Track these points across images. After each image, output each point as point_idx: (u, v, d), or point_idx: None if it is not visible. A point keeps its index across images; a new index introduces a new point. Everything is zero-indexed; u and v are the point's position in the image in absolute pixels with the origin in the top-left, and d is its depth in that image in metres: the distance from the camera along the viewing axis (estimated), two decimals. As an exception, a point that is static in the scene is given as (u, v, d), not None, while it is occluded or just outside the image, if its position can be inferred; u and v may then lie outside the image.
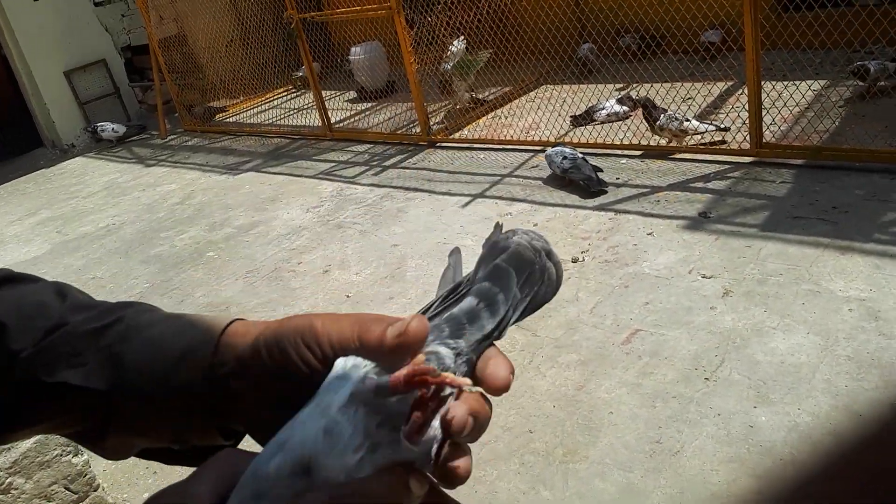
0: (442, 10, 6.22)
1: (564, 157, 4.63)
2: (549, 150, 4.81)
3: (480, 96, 6.63)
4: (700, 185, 4.22)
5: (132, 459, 2.43)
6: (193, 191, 6.40)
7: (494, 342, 0.55)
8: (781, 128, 4.58)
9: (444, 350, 0.51)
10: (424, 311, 0.56)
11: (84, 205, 6.76)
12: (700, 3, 5.87)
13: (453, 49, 6.30)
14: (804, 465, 2.24)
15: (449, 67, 6.36)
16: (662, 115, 4.69)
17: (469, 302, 0.56)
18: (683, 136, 4.65)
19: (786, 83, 4.85)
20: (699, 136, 4.72)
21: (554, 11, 6.70)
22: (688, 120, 4.65)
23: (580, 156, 4.64)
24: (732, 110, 4.98)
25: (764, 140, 4.26)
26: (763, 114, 4.29)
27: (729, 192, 4.07)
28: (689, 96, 5.54)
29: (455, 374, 0.50)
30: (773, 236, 3.49)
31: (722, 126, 4.65)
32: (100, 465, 2.79)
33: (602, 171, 4.61)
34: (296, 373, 0.52)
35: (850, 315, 2.85)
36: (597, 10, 6.75)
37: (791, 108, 4.51)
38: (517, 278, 0.56)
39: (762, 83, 4.25)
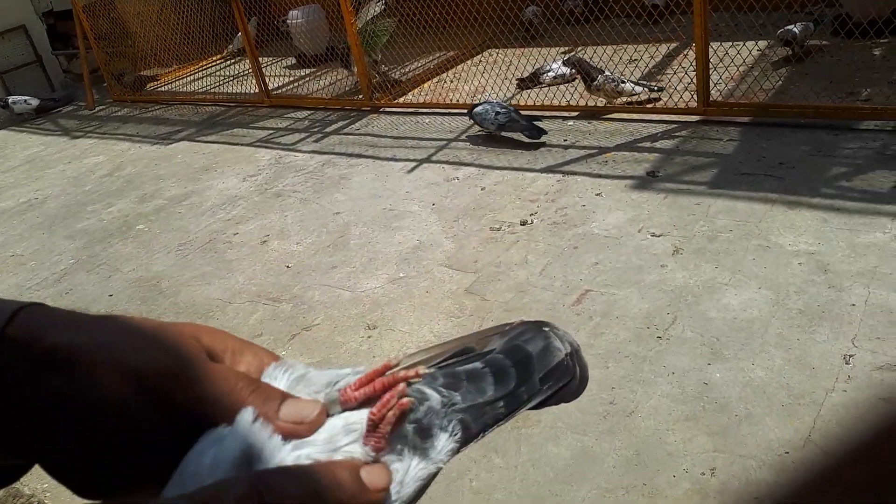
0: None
1: (498, 113, 4.54)
2: (477, 108, 4.67)
3: (396, 74, 6.34)
4: (647, 144, 4.15)
5: None
6: (123, 162, 6.07)
7: (503, 425, 0.51)
8: (728, 86, 4.54)
9: (432, 393, 0.48)
10: (420, 361, 0.51)
11: (3, 179, 6.36)
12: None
13: (365, 15, 6.04)
14: (760, 419, 2.19)
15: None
16: (599, 76, 4.61)
17: (475, 365, 0.51)
18: (618, 96, 4.59)
19: (730, 43, 4.81)
20: (635, 97, 4.66)
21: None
22: (623, 81, 4.58)
23: (512, 108, 4.55)
24: (679, 70, 4.92)
25: (711, 99, 4.20)
26: (710, 72, 4.23)
27: (676, 150, 4.01)
28: (634, 58, 5.47)
29: (442, 428, 0.48)
30: (722, 193, 3.44)
31: (656, 87, 4.60)
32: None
33: (540, 119, 4.52)
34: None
35: (799, 269, 2.81)
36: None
37: (738, 66, 4.46)
38: (539, 366, 0.53)
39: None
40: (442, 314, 3.06)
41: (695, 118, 4.26)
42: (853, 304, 2.56)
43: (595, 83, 4.58)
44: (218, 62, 8.79)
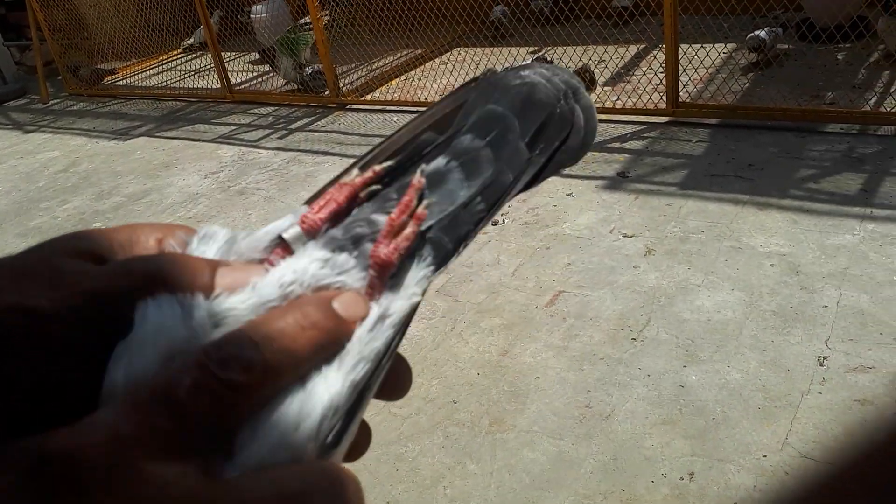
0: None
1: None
2: None
3: (363, 72, 6.35)
4: (617, 145, 4.14)
5: None
6: (79, 158, 5.87)
7: (487, 224, 0.38)
8: (697, 88, 4.56)
9: (381, 218, 0.36)
10: (363, 166, 0.39)
11: (-47, 175, 6.09)
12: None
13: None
14: (737, 422, 2.17)
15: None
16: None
17: (436, 164, 0.39)
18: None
19: (699, 45, 4.84)
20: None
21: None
22: None
23: None
24: (649, 71, 4.93)
25: (679, 100, 4.21)
26: (679, 74, 4.24)
27: (646, 151, 4.00)
28: (602, 59, 5.47)
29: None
30: (693, 194, 3.44)
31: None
32: None
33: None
34: None
35: (771, 270, 2.81)
36: (509, -30, 6.58)
37: (707, 68, 4.48)
38: (522, 128, 0.40)
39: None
40: (415, 317, 2.98)
41: (664, 119, 4.27)
42: (825, 306, 2.57)
43: None
44: (178, 56, 8.58)
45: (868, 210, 3.06)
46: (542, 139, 0.40)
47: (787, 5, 5.32)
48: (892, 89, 4.11)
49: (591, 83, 4.79)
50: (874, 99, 4.05)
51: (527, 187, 0.40)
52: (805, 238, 2.96)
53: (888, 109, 3.76)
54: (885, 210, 3.03)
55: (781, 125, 3.90)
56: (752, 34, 4.66)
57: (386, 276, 0.35)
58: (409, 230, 0.36)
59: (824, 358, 2.33)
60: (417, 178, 0.37)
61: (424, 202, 0.37)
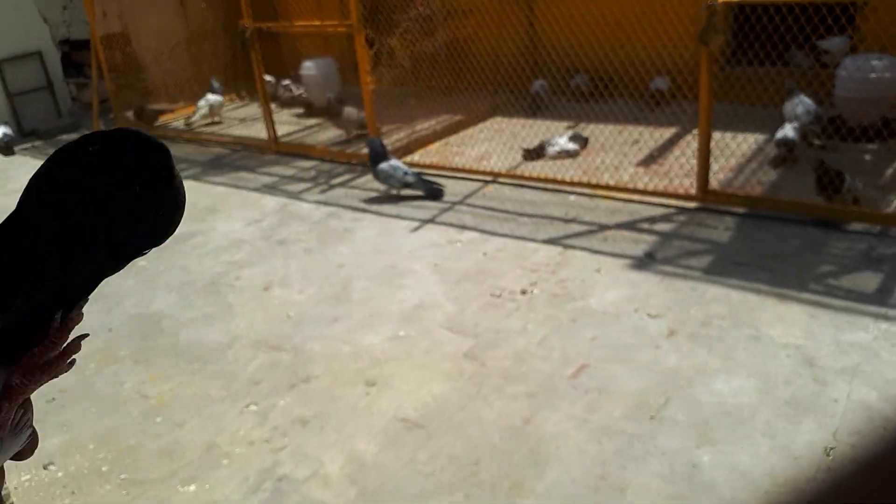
0: (402, 33, 6.23)
1: (406, 173, 5.18)
2: (382, 164, 5.20)
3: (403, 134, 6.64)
4: (646, 226, 4.31)
5: (50, 477, 2.25)
6: (128, 195, 6.14)
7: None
8: (727, 176, 4.74)
9: None
10: None
11: (5, 202, 6.39)
12: (650, 51, 6.06)
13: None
14: (746, 507, 2.28)
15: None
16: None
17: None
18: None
19: (731, 134, 5.05)
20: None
21: (509, 47, 6.80)
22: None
23: (411, 169, 5.26)
24: (680, 156, 5.12)
25: (709, 187, 4.39)
26: (710, 162, 4.43)
27: (674, 234, 4.16)
28: (636, 140, 5.70)
29: None
30: (717, 280, 3.58)
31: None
32: (13, 484, 2.60)
33: (439, 185, 5.22)
34: None
35: (787, 361, 2.93)
36: (550, 48, 6.88)
37: (737, 158, 4.67)
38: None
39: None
40: (441, 376, 3.13)
41: (693, 204, 4.44)
42: (836, 399, 2.68)
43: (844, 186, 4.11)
44: (227, 103, 8.96)
45: (883, 310, 3.18)
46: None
47: (821, 101, 5.54)
48: (915, 192, 4.26)
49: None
50: (897, 200, 4.20)
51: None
52: (821, 332, 3.09)
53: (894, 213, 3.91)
54: (900, 311, 3.15)
55: (805, 219, 4.06)
56: (780, 132, 4.86)
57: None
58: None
59: (831, 448, 2.44)
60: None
61: None
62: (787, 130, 4.82)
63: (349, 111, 6.67)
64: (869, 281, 3.44)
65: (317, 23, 6.09)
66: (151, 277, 4.50)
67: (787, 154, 4.78)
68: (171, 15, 8.94)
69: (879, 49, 5.32)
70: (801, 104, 5.07)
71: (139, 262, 4.55)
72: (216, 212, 5.50)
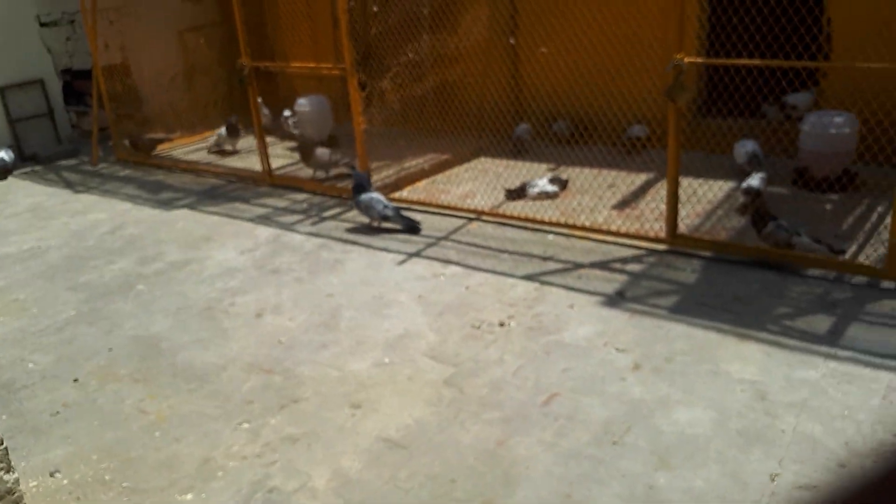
0: (393, 77, 6.55)
1: (385, 206, 5.51)
2: (363, 196, 5.53)
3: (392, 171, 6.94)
4: (618, 266, 4.58)
5: (56, 484, 2.57)
6: (125, 222, 6.37)
7: None
8: (695, 221, 5.04)
9: None
10: None
11: (6, 225, 6.60)
12: (628, 100, 6.42)
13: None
14: (696, 525, 2.50)
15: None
16: (771, 223, 4.47)
17: None
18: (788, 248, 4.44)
19: (702, 181, 5.37)
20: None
21: (495, 92, 7.14)
22: (799, 234, 4.45)
23: (391, 204, 5.58)
24: (652, 201, 5.43)
25: (678, 231, 4.68)
26: (679, 207, 4.73)
27: (644, 275, 4.44)
28: (612, 184, 6.01)
29: None
30: (682, 319, 3.85)
31: (837, 248, 4.39)
32: (26, 485, 2.78)
33: (416, 222, 5.49)
34: None
35: (742, 395, 3.19)
36: (534, 95, 7.23)
37: (704, 205, 4.98)
38: None
39: (680, 179, 4.71)
40: (422, 401, 3.36)
41: (663, 247, 4.73)
42: (783, 431, 2.93)
43: (766, 230, 4.48)
44: (216, 133, 9.22)
45: (833, 350, 3.46)
46: None
47: (786, 152, 5.89)
48: (870, 241, 4.56)
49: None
50: (853, 249, 4.51)
51: None
52: (775, 369, 3.35)
53: (863, 262, 4.22)
54: (847, 351, 3.42)
55: (768, 264, 4.35)
56: (746, 181, 5.18)
57: None
58: None
59: (776, 475, 2.68)
60: None
61: None
62: (753, 180, 5.14)
63: (321, 152, 6.90)
64: (822, 323, 3.72)
65: (312, 65, 6.40)
66: (149, 302, 4.70)
67: (751, 202, 5.09)
68: (171, 48, 9.26)
69: (840, 106, 5.69)
70: (743, 146, 5.68)
71: (138, 287, 4.77)
72: (211, 241, 5.73)
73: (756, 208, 4.53)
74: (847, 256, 4.38)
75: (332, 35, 7.59)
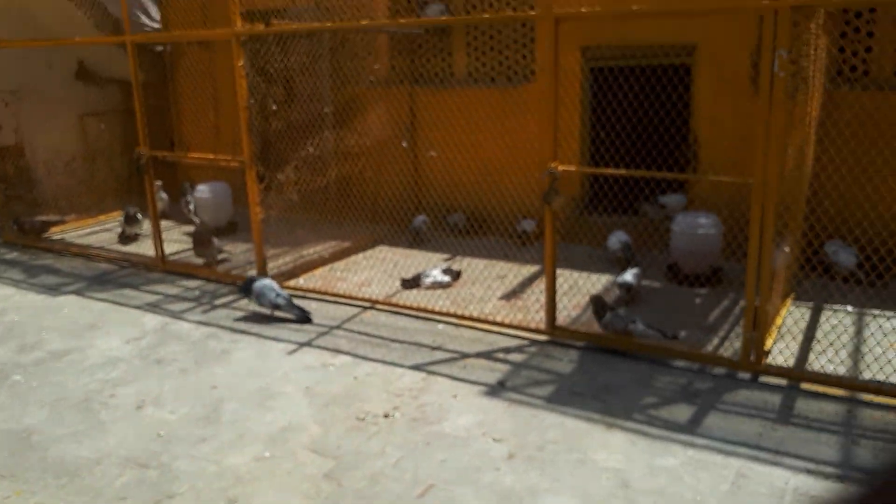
0: (292, 170, 6.71)
1: (278, 295, 5.55)
2: (256, 284, 5.58)
3: (290, 258, 7.04)
4: (502, 356, 4.77)
5: None
6: (6, 308, 6.13)
7: None
8: (574, 313, 5.32)
9: None
10: None
11: None
12: (520, 195, 6.80)
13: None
14: None
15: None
16: (608, 314, 4.80)
17: None
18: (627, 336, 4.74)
19: (585, 274, 5.71)
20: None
21: (395, 185, 7.41)
22: (634, 321, 4.74)
23: (284, 292, 5.63)
24: (535, 292, 5.70)
25: (557, 323, 4.94)
26: (558, 299, 5.00)
27: (524, 365, 4.64)
28: (501, 276, 6.28)
29: None
30: (556, 409, 4.03)
31: (671, 335, 4.70)
32: None
33: (307, 312, 5.53)
34: None
35: (606, 482, 3.35)
36: (432, 188, 7.55)
37: (584, 296, 5.27)
38: None
39: (563, 271, 5.00)
40: (299, 495, 3.36)
41: (543, 338, 4.96)
42: (643, 518, 3.10)
43: (604, 319, 4.80)
44: (117, 218, 9.08)
45: (692, 438, 3.70)
46: None
47: (660, 249, 6.35)
48: (732, 334, 4.94)
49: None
50: (716, 341, 4.87)
51: None
52: (638, 457, 3.55)
53: (723, 354, 4.56)
54: (703, 439, 3.67)
55: (637, 355, 4.63)
56: (621, 276, 5.55)
57: None
58: None
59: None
60: None
61: None
62: (627, 275, 5.51)
63: (219, 243, 6.92)
64: (683, 412, 3.98)
65: (210, 156, 6.49)
66: (24, 393, 4.52)
67: (626, 295, 5.44)
68: (70, 132, 9.16)
69: (707, 207, 6.23)
70: (616, 236, 6.28)
71: (14, 377, 4.59)
72: (96, 328, 5.58)
73: (594, 301, 4.89)
74: (710, 348, 4.73)
75: (234, 125, 7.74)
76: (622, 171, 4.70)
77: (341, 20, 6.60)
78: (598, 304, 4.86)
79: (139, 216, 8.09)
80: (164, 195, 8.46)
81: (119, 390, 4.53)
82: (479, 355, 4.80)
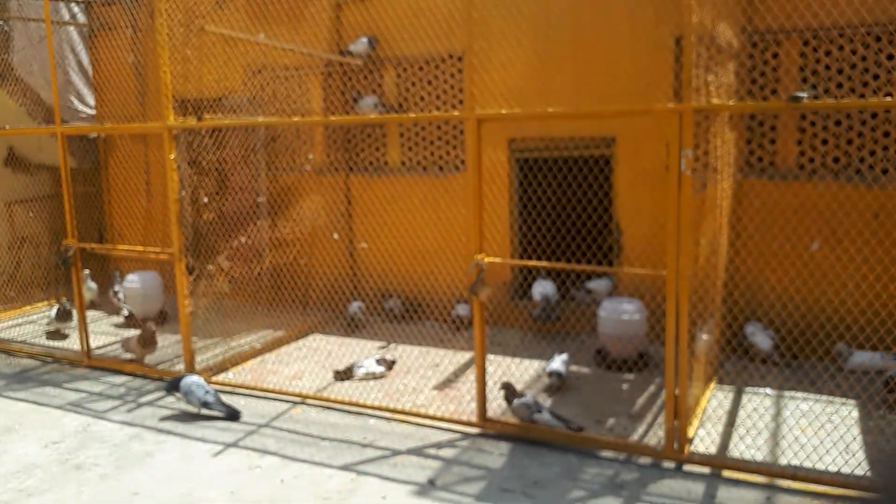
0: (224, 259, 6.68)
1: (207, 392, 5.43)
2: (184, 381, 5.49)
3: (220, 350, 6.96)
4: (433, 451, 4.74)
5: None
6: (-86, 411, 5.83)
7: None
8: (504, 403, 5.35)
9: None
10: None
11: None
12: (453, 281, 6.90)
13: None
14: None
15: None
16: (516, 400, 4.90)
17: None
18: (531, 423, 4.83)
19: (518, 360, 5.77)
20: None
21: (330, 270, 7.44)
22: (540, 410, 4.82)
23: (212, 390, 5.52)
24: (471, 381, 5.73)
25: (488, 415, 4.96)
26: (489, 389, 5.04)
27: (456, 460, 4.62)
28: (436, 363, 6.30)
29: None
30: (483, 507, 4.01)
31: (576, 426, 4.75)
32: None
33: (237, 411, 5.41)
34: None
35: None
36: (369, 273, 7.60)
37: (519, 385, 5.31)
38: None
39: (497, 357, 5.05)
40: None
41: (475, 430, 4.96)
42: None
43: (513, 405, 4.91)
44: (43, 309, 8.81)
45: (617, 533, 3.72)
46: None
47: (588, 334, 6.49)
48: (657, 421, 5.03)
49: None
50: (643, 429, 4.95)
51: None
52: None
53: (648, 443, 4.64)
54: (628, 535, 3.70)
55: (566, 447, 4.67)
56: (549, 364, 5.64)
57: None
58: None
59: None
60: None
61: None
62: (556, 363, 5.60)
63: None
64: (611, 505, 4.01)
65: (140, 248, 6.43)
66: (-76, 510, 4.27)
67: (557, 383, 5.51)
68: (-5, 220, 8.94)
69: (632, 292, 6.43)
70: (540, 285, 6.51)
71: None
72: (12, 432, 5.35)
73: (504, 387, 5.01)
74: (637, 437, 4.81)
75: (167, 212, 7.70)
76: (544, 264, 4.85)
77: (276, 113, 6.73)
78: (507, 391, 4.98)
79: (72, 310, 7.85)
80: (92, 284, 8.27)
81: (33, 501, 4.32)
82: (410, 451, 4.76)
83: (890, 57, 5.65)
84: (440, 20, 6.58)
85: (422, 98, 7.48)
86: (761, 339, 5.93)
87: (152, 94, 8.54)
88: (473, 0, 4.65)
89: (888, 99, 5.35)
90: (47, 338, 7.72)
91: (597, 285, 6.75)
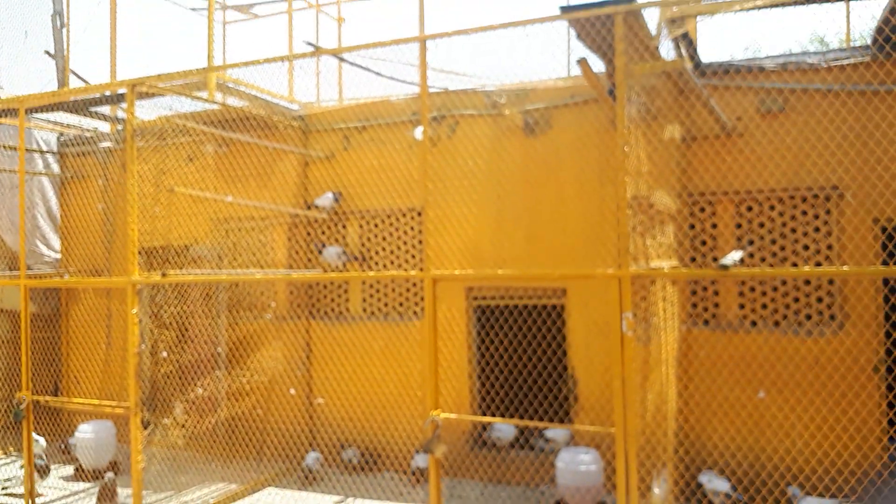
0: (180, 412, 6.65)
1: None
2: None
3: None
4: None
5: None
6: None
7: None
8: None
9: None
10: None
11: None
12: (412, 430, 6.93)
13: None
14: None
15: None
16: None
17: None
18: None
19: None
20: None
21: (287, 419, 7.41)
22: None
23: None
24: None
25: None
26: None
27: None
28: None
29: None
30: None
31: None
32: None
33: None
34: None
35: None
36: (326, 422, 7.59)
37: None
38: None
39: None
40: None
41: None
42: None
43: None
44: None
45: None
46: None
47: (546, 486, 6.49)
48: (615, 578, 5.00)
49: None
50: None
51: None
52: None
53: None
54: None
55: None
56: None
57: None
58: None
59: None
60: None
61: None
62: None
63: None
64: None
65: (95, 402, 6.38)
66: None
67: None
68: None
69: (590, 442, 6.51)
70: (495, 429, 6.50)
71: None
72: None
73: None
74: None
75: (125, 363, 7.70)
76: (499, 420, 4.95)
77: (240, 264, 6.94)
78: None
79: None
80: (41, 441, 8.04)
81: None
82: None
83: (816, 220, 6.14)
84: (400, 179, 7.01)
85: (383, 248, 7.79)
86: (718, 483, 6.01)
87: (119, 240, 8.75)
88: (427, 169, 5.02)
89: (819, 268, 5.77)
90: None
91: (554, 434, 6.82)
